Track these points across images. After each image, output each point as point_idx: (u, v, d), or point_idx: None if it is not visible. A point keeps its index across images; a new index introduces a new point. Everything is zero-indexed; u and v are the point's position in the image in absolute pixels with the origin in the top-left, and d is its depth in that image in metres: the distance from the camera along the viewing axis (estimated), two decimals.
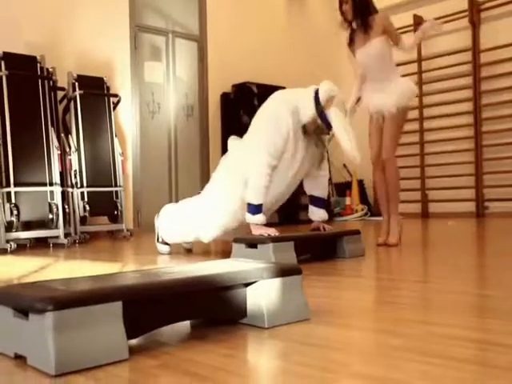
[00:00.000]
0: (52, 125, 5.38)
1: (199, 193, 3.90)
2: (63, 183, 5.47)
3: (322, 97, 3.40)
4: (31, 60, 5.44)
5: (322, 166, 3.73)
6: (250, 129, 3.63)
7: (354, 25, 4.13)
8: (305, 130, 3.47)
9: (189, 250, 4.12)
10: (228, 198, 3.57)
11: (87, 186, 5.75)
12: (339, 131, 3.37)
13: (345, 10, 4.09)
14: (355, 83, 4.33)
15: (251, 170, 3.40)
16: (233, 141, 3.79)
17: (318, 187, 3.72)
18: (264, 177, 3.37)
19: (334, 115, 3.38)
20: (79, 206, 5.65)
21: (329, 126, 3.43)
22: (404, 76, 8.31)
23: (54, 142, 5.33)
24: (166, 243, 3.99)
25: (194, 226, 3.73)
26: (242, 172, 3.48)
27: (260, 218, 3.39)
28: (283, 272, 1.67)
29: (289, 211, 7.50)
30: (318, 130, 3.51)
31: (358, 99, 4.27)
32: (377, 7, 4.18)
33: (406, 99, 4.07)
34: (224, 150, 3.94)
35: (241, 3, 8.14)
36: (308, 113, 3.42)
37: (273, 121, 3.41)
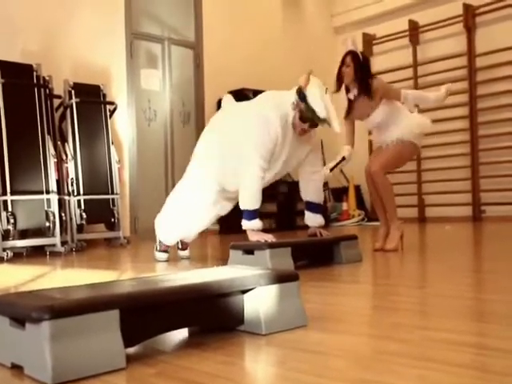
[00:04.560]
0: (48, 133, 5.37)
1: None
2: (60, 191, 5.46)
3: (300, 81, 3.42)
4: (27, 68, 5.43)
5: (313, 162, 3.71)
6: (240, 123, 3.61)
7: (352, 93, 4.08)
8: (294, 127, 3.47)
9: (186, 258, 4.12)
10: (209, 173, 3.68)
11: (84, 194, 5.74)
12: (316, 103, 3.35)
13: (344, 72, 4.05)
14: (347, 135, 4.27)
15: (244, 174, 3.41)
16: (228, 99, 3.89)
17: (314, 192, 3.72)
18: (258, 181, 3.38)
19: (311, 89, 3.38)
20: (76, 213, 5.64)
21: (311, 110, 3.37)
22: (401, 81, 8.40)
23: (51, 150, 5.32)
24: (165, 251, 3.99)
25: (187, 214, 3.82)
26: (219, 164, 3.61)
27: (256, 223, 3.39)
28: (280, 278, 1.67)
29: (285, 217, 7.51)
30: (307, 130, 3.49)
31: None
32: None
33: (413, 133, 4.06)
34: None
35: (236, 10, 8.16)
36: (291, 106, 3.43)
37: (262, 124, 3.42)
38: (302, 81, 3.42)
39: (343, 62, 4.08)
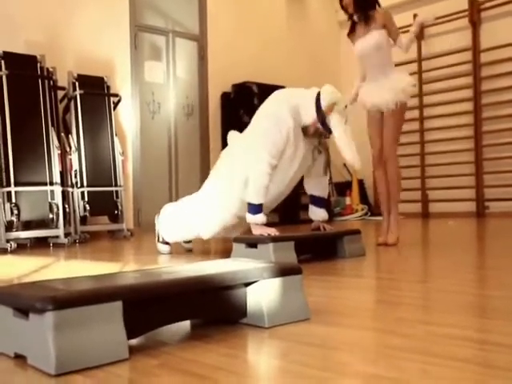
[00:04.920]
0: (52, 124, 5.38)
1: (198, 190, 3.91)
2: (63, 183, 5.47)
3: (324, 102, 3.38)
4: (31, 59, 5.43)
5: (327, 171, 3.71)
6: (251, 126, 3.63)
7: (356, 18, 4.14)
8: (305, 131, 3.47)
9: (189, 250, 4.12)
10: (226, 195, 3.57)
11: (87, 186, 5.75)
12: (340, 139, 3.37)
13: (345, 4, 4.11)
14: (355, 82, 4.34)
15: (251, 169, 3.39)
16: (232, 135, 3.79)
17: (319, 187, 3.72)
18: (264, 176, 3.36)
19: (335, 122, 3.38)
20: (79, 205, 5.65)
21: (329, 131, 3.43)
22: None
23: (55, 142, 5.32)
24: (167, 243, 3.99)
25: (194, 223, 3.74)
26: (241, 169, 3.48)
27: (260, 217, 3.38)
28: (283, 272, 1.67)
29: (289, 211, 7.50)
30: (318, 133, 3.50)
31: (356, 96, 4.29)
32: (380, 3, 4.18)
33: (405, 95, 4.07)
34: (224, 148, 3.94)
35: (241, 3, 8.13)
36: (309, 116, 3.41)
37: (273, 121, 3.41)
38: (325, 102, 3.38)
39: None
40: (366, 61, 4.14)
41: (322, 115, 3.39)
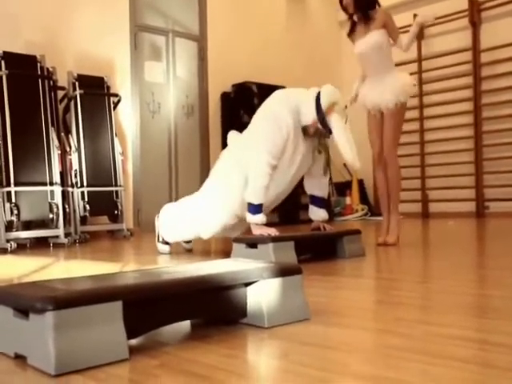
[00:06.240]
0: (52, 124, 5.38)
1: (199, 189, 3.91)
2: (63, 183, 5.47)
3: (324, 102, 3.38)
4: (31, 59, 5.43)
5: (327, 171, 3.71)
6: (250, 126, 3.63)
7: (355, 17, 4.14)
8: (305, 131, 3.47)
9: (189, 250, 4.12)
10: (227, 194, 3.57)
11: (87, 186, 5.75)
12: (340, 139, 3.37)
13: (345, 4, 4.11)
14: (356, 81, 4.34)
15: (251, 169, 3.39)
16: (232, 135, 3.79)
17: (319, 187, 3.72)
18: (264, 176, 3.36)
19: (335, 122, 3.38)
20: (79, 205, 5.65)
21: (329, 131, 3.43)
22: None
23: (55, 142, 5.32)
24: (167, 243, 3.99)
25: (194, 223, 3.74)
26: (241, 170, 3.48)
27: (260, 217, 3.38)
28: (283, 272, 1.67)
29: (289, 211, 7.50)
30: (318, 133, 3.50)
31: (357, 96, 4.29)
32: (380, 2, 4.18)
33: (405, 95, 4.07)
34: (224, 148, 3.93)
35: (241, 3, 8.13)
36: (309, 116, 3.41)
37: (273, 121, 3.41)
38: (325, 102, 3.37)
39: None
40: (366, 61, 4.14)
41: (321, 115, 3.39)
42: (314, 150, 3.58)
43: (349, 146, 3.37)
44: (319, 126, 3.42)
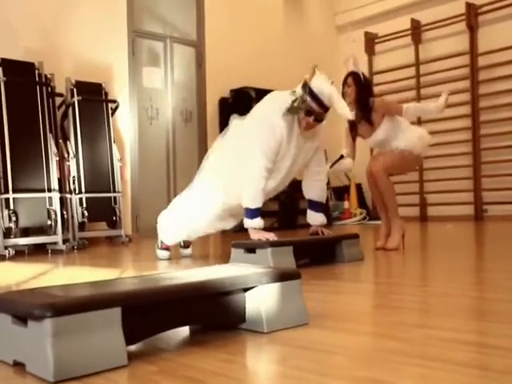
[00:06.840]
0: (50, 131, 5.38)
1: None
2: (61, 189, 5.47)
3: (305, 76, 3.42)
4: (29, 66, 5.43)
5: (318, 162, 3.70)
6: (245, 132, 3.61)
7: (353, 115, 4.00)
8: (299, 122, 3.46)
9: (188, 257, 4.12)
10: (208, 203, 3.65)
11: (85, 192, 5.74)
12: (333, 91, 3.37)
13: (346, 92, 4.09)
14: (346, 146, 4.27)
15: (247, 173, 3.40)
16: (235, 122, 3.83)
17: (316, 191, 3.71)
18: (260, 180, 3.37)
19: (321, 80, 3.39)
20: (77, 211, 5.65)
21: (319, 101, 3.38)
22: (403, 80, 8.44)
23: (53, 148, 5.32)
24: (166, 248, 3.99)
25: (188, 220, 3.79)
26: (225, 176, 3.56)
27: (258, 222, 3.38)
28: (282, 277, 1.67)
29: (287, 216, 7.51)
30: (310, 126, 3.47)
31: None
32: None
33: (416, 145, 4.07)
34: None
35: (238, 8, 8.15)
36: (296, 94, 3.42)
37: (266, 126, 3.41)
38: (306, 76, 3.43)
39: (345, 82, 4.13)
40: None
41: (308, 89, 3.38)
42: (308, 145, 3.58)
43: (339, 98, 3.40)
44: (307, 98, 3.38)
